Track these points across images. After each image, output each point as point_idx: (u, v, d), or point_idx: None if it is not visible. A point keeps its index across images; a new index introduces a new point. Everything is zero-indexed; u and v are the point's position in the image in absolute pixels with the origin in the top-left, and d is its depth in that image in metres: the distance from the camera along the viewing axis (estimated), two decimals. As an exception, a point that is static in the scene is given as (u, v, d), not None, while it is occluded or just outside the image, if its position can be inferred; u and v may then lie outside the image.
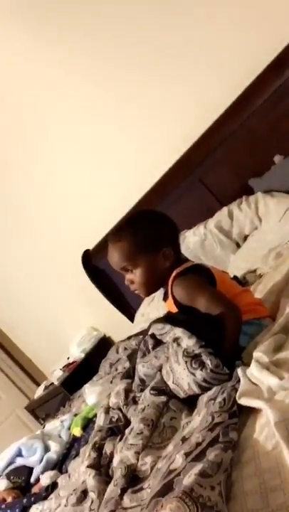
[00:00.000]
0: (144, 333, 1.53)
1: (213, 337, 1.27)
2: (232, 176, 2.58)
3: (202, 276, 1.47)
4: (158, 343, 1.44)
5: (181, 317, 1.39)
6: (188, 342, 1.28)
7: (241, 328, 1.33)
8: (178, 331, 1.33)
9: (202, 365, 1.21)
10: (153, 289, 1.59)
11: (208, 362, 1.20)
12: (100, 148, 3.09)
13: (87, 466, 1.39)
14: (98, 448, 1.44)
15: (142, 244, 1.51)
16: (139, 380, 1.45)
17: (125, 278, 1.58)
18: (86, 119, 3.04)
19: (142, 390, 1.44)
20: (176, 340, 1.33)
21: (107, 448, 1.41)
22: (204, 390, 1.21)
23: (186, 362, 1.24)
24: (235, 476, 0.94)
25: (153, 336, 1.45)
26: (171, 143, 2.74)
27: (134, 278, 1.54)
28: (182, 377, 1.25)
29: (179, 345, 1.31)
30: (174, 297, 1.46)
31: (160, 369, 1.36)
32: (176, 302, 1.46)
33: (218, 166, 2.59)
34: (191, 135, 2.62)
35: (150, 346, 1.45)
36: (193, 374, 1.22)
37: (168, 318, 1.44)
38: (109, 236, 1.59)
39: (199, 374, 1.20)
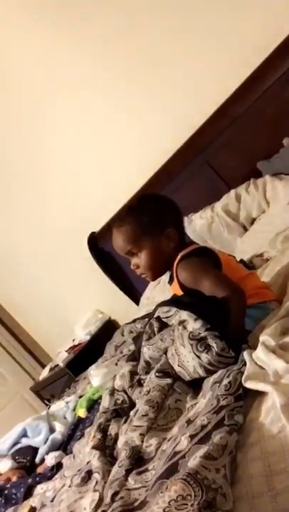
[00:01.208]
0: (149, 316, 1.53)
1: (219, 320, 1.26)
2: (240, 159, 2.56)
3: (207, 259, 1.48)
4: (163, 325, 1.44)
5: (187, 299, 1.39)
6: (193, 325, 1.28)
7: (246, 311, 1.33)
8: (183, 314, 1.33)
9: (208, 348, 1.21)
10: (159, 273, 1.60)
11: (213, 345, 1.20)
12: (105, 130, 3.06)
13: (92, 447, 1.39)
14: (103, 429, 1.45)
15: (146, 227, 1.53)
16: (144, 362, 1.45)
17: (131, 263, 1.59)
18: (92, 101, 3.01)
19: (147, 373, 1.44)
20: (181, 323, 1.33)
21: (112, 429, 1.42)
22: (210, 373, 1.21)
23: (191, 345, 1.24)
24: (240, 458, 0.94)
25: (158, 318, 1.45)
26: (178, 125, 2.72)
27: (139, 262, 1.56)
28: (187, 360, 1.25)
29: (184, 328, 1.31)
30: (178, 280, 1.47)
31: (165, 352, 1.36)
32: (180, 285, 1.47)
33: (226, 149, 2.57)
34: (198, 117, 2.60)
35: (156, 329, 1.45)
36: (198, 357, 1.22)
37: (174, 301, 1.44)
38: (113, 221, 1.61)
39: (205, 357, 1.20)
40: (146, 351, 1.43)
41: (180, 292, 1.47)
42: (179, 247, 1.53)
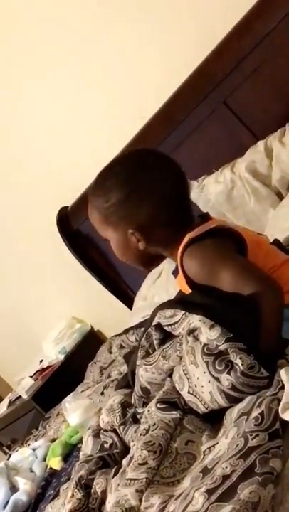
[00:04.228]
0: (146, 323, 1.53)
1: (245, 326, 1.26)
2: (269, 97, 2.55)
3: (225, 241, 1.47)
4: (166, 336, 1.44)
5: (199, 299, 1.39)
6: (209, 334, 1.28)
7: (283, 312, 1.32)
8: (195, 320, 1.33)
9: (229, 366, 1.21)
10: (142, 266, 1.67)
11: (238, 361, 1.20)
12: (84, 69, 3.07)
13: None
14: (85, 485, 1.45)
15: (111, 216, 1.57)
16: (140, 389, 1.45)
17: None
18: (66, 37, 3.04)
19: (145, 404, 1.44)
20: (192, 332, 1.33)
21: (98, 485, 1.42)
22: (233, 401, 1.21)
23: (206, 362, 1.24)
24: (279, 521, 0.94)
25: (159, 326, 1.45)
26: (180, 52, 2.71)
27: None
28: (202, 385, 1.25)
29: (196, 339, 1.31)
30: (185, 273, 1.48)
31: (170, 374, 1.36)
32: (188, 280, 1.47)
33: (249, 84, 2.56)
34: (208, 40, 2.58)
35: (155, 342, 1.45)
36: (217, 379, 1.22)
37: (180, 302, 1.44)
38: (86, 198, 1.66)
39: (226, 379, 1.20)
40: (144, 373, 1.43)
41: (188, 289, 1.47)
42: (182, 229, 1.54)
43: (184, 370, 1.30)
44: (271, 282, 1.35)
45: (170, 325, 1.42)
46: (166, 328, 1.44)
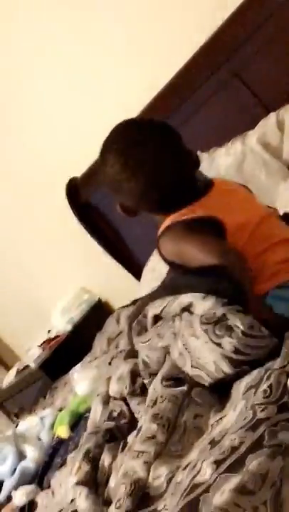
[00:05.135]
0: (135, 311, 1.58)
1: (231, 292, 1.29)
2: (283, 69, 2.52)
3: (202, 226, 1.50)
4: (158, 318, 1.46)
5: (184, 280, 1.41)
6: (204, 305, 1.28)
7: (281, 293, 1.35)
8: (185, 297, 1.34)
9: (230, 329, 1.20)
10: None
11: (237, 323, 1.19)
12: (94, 41, 3.04)
13: (77, 483, 1.40)
14: (93, 458, 1.45)
15: (108, 184, 1.61)
16: (142, 362, 1.46)
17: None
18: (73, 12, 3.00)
19: (150, 375, 1.44)
20: (185, 309, 1.33)
21: (106, 458, 1.42)
22: (239, 365, 1.21)
23: (206, 331, 1.24)
24: (287, 492, 0.94)
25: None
26: (192, 22, 2.67)
27: None
28: (205, 355, 1.25)
29: (191, 313, 1.31)
30: (162, 255, 1.53)
31: (167, 352, 1.37)
32: (165, 261, 1.53)
33: (263, 55, 2.52)
34: (220, 8, 2.54)
35: (149, 322, 1.47)
36: (219, 345, 1.22)
37: (166, 288, 1.47)
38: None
39: (228, 342, 1.20)
40: (141, 350, 1.45)
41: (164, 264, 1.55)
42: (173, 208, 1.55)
43: (184, 345, 1.30)
44: (229, 254, 1.39)
45: (162, 311, 1.44)
46: (160, 314, 1.45)
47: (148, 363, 1.43)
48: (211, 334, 1.24)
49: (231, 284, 1.31)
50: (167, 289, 1.47)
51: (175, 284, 1.46)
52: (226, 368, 1.23)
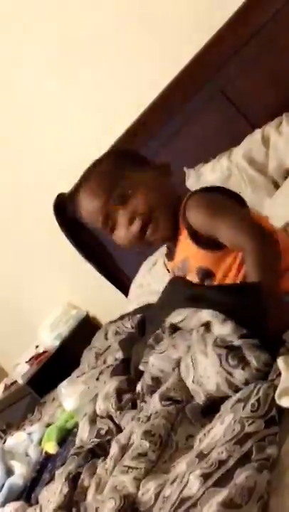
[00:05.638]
0: (145, 311, 1.53)
1: (254, 318, 1.25)
2: (267, 86, 2.54)
3: (228, 198, 1.54)
4: (176, 328, 1.44)
5: (210, 293, 1.39)
6: (221, 329, 1.25)
7: (279, 268, 1.39)
8: (206, 314, 1.31)
9: (243, 360, 1.19)
10: (170, 215, 1.62)
11: (252, 360, 1.18)
12: (72, 57, 3.07)
13: (55, 509, 1.39)
14: (73, 479, 1.44)
15: (129, 165, 1.66)
16: (151, 379, 1.43)
17: (118, 223, 1.62)
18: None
19: (153, 393, 1.41)
20: (204, 324, 1.31)
21: (85, 478, 1.41)
22: (237, 391, 1.20)
23: (219, 356, 1.21)
24: (274, 505, 0.94)
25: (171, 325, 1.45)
26: (178, 40, 2.69)
27: (136, 206, 1.59)
28: (208, 375, 1.23)
29: (208, 330, 1.29)
30: (190, 230, 1.52)
31: (178, 364, 1.35)
32: (193, 236, 1.51)
33: (247, 71, 2.55)
34: (206, 29, 2.56)
35: (167, 332, 1.45)
36: (229, 373, 1.20)
37: (189, 299, 1.43)
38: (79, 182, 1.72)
39: (240, 374, 1.18)
40: (154, 362, 1.42)
41: (192, 248, 1.51)
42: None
43: (192, 359, 1.29)
44: (267, 235, 1.41)
45: (181, 322, 1.41)
46: (179, 325, 1.43)
47: (160, 378, 1.41)
48: (223, 360, 1.21)
49: (254, 304, 1.28)
50: (189, 301, 1.42)
51: (199, 295, 1.42)
52: (227, 391, 1.21)
